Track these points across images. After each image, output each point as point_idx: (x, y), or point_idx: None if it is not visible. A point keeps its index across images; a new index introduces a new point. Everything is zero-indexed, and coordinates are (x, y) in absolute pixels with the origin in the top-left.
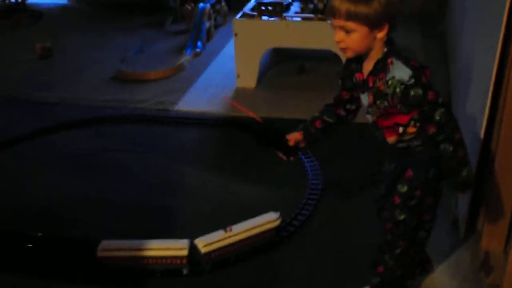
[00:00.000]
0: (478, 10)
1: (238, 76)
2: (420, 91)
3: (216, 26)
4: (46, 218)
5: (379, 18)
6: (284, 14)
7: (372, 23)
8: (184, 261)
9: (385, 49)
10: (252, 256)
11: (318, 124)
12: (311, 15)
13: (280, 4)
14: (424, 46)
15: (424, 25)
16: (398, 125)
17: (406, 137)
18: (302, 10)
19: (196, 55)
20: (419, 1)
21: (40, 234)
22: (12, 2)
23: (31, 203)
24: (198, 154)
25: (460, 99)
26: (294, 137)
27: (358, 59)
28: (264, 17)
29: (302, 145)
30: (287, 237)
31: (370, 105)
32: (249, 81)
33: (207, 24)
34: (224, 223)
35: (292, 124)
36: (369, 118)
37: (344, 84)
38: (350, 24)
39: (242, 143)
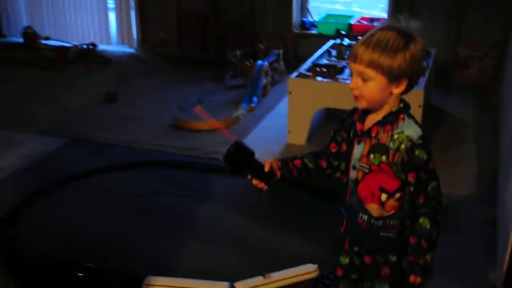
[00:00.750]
0: None
1: (289, 132)
2: (425, 155)
3: (273, 83)
4: (96, 252)
5: (401, 73)
6: (338, 76)
7: (392, 76)
8: None
9: (401, 105)
10: None
11: (297, 162)
12: None
13: (335, 66)
14: (476, 117)
15: (478, 97)
16: (383, 191)
17: (386, 212)
18: None
19: (251, 109)
20: (476, 74)
21: (91, 265)
22: (84, 48)
23: (84, 236)
24: (245, 202)
25: (508, 170)
26: (270, 163)
27: (363, 111)
28: (319, 78)
29: (277, 174)
30: None
31: (361, 157)
32: (300, 138)
33: (264, 81)
34: (263, 270)
35: (336, 181)
36: (353, 175)
37: (335, 136)
38: (370, 72)
39: (288, 194)
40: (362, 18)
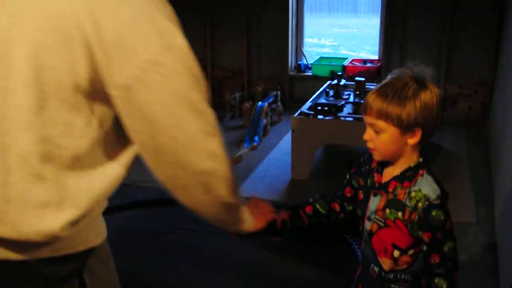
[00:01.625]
0: None
1: (293, 168)
2: (442, 215)
3: (272, 124)
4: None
5: (412, 122)
6: (338, 114)
7: (404, 126)
8: None
9: (421, 159)
10: None
11: (308, 209)
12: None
13: (335, 105)
14: (468, 150)
15: (468, 131)
16: (395, 247)
17: (398, 267)
18: (354, 112)
19: (253, 148)
20: (464, 110)
21: None
22: None
23: None
24: (258, 237)
25: (505, 199)
26: (281, 217)
27: (380, 163)
28: (320, 116)
29: (288, 224)
30: None
31: (377, 211)
32: (303, 173)
33: (264, 121)
34: None
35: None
36: (367, 226)
37: (351, 180)
38: (380, 123)
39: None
40: (355, 60)
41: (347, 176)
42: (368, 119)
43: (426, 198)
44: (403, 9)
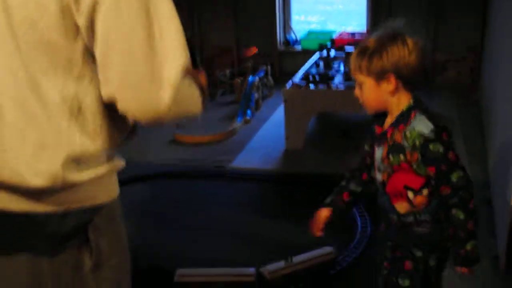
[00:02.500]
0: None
1: (287, 138)
2: (440, 148)
3: (263, 98)
4: None
5: (380, 69)
6: (330, 83)
7: (375, 74)
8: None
9: (411, 102)
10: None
11: (346, 196)
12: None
13: (326, 74)
14: (460, 114)
15: (458, 95)
16: (408, 189)
17: (415, 208)
18: (346, 81)
19: (246, 122)
20: (453, 74)
21: None
22: None
23: None
24: (257, 205)
25: (497, 158)
26: (323, 217)
27: (377, 116)
28: (312, 86)
29: (330, 219)
30: (341, 271)
31: (383, 160)
32: (297, 143)
33: (256, 95)
34: (281, 257)
35: (337, 179)
36: (379, 177)
37: (365, 146)
38: (359, 77)
39: (296, 196)
40: (344, 33)
41: (365, 147)
42: (352, 75)
43: (420, 135)
44: None
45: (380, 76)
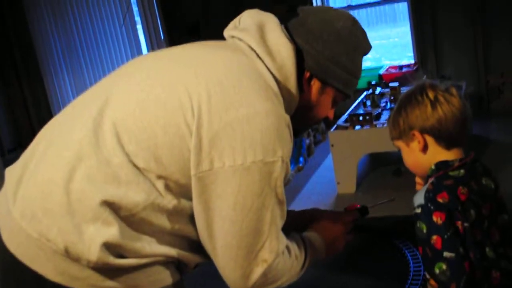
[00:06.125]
0: None
1: (338, 183)
2: (424, 228)
3: (316, 143)
4: None
5: (402, 127)
6: (375, 122)
7: (402, 134)
8: None
9: (433, 167)
10: None
11: None
12: None
13: (370, 114)
14: None
15: None
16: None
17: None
18: None
19: (299, 169)
20: (510, 96)
21: None
22: None
23: None
24: None
25: None
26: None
27: None
28: (357, 127)
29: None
30: None
31: None
32: (349, 186)
33: (307, 141)
34: None
35: (389, 222)
36: None
37: None
38: (394, 142)
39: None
40: (391, 67)
41: None
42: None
43: (418, 206)
44: (431, 9)
45: (405, 135)
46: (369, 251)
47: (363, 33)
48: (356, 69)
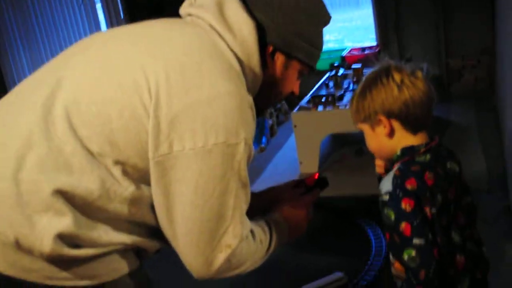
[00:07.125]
0: None
1: (301, 162)
2: (392, 215)
3: (279, 123)
4: None
5: (368, 111)
6: (337, 104)
7: (367, 118)
8: None
9: (398, 153)
10: None
11: None
12: None
13: (333, 95)
14: (479, 121)
15: (477, 102)
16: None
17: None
18: None
19: (262, 150)
20: (470, 81)
21: None
22: None
23: None
24: None
25: None
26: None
27: None
28: (320, 108)
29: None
30: None
31: None
32: (311, 166)
33: (270, 122)
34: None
35: (352, 201)
36: None
37: None
38: (358, 125)
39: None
40: (354, 49)
41: None
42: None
43: (381, 194)
44: None
45: (371, 119)
46: (332, 229)
47: (322, 3)
48: (318, 41)
